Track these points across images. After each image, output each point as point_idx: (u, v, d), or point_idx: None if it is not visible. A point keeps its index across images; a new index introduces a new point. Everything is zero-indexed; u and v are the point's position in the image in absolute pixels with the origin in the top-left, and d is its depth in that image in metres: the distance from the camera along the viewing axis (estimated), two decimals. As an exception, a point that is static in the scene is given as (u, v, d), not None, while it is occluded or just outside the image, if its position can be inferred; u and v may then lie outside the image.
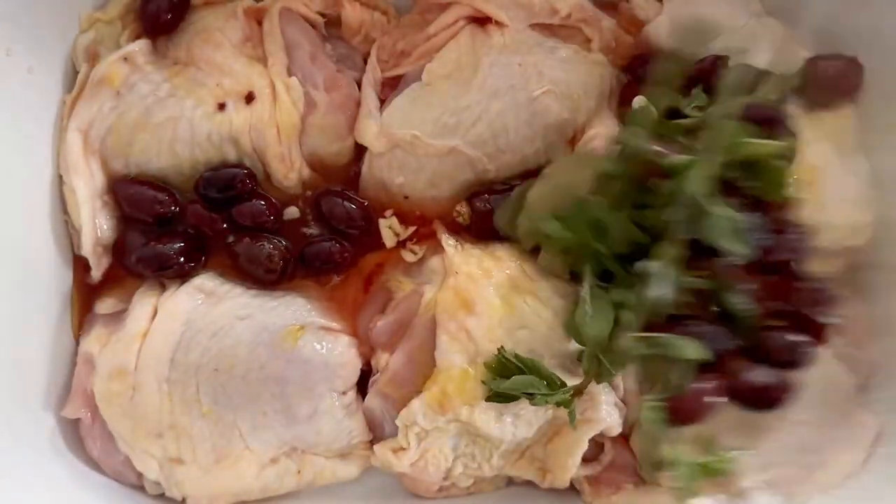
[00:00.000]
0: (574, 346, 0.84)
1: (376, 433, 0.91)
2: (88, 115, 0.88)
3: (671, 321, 0.79)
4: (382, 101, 0.93)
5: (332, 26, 0.95)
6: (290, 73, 0.90)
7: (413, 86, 0.92)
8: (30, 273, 0.86)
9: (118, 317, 0.90)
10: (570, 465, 0.87)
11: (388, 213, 0.94)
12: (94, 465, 0.89)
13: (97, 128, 0.88)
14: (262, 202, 0.91)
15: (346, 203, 0.92)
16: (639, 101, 0.88)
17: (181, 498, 0.88)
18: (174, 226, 0.90)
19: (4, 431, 0.82)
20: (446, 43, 0.92)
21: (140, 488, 0.90)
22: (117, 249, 0.91)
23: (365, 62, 0.95)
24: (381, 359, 0.90)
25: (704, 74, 0.87)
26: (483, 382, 0.83)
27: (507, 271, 0.88)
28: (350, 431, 0.89)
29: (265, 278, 0.91)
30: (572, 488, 0.91)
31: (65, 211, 0.90)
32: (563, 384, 0.82)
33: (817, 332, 0.81)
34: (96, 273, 0.90)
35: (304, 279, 0.94)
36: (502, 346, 0.83)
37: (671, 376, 0.79)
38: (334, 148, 0.93)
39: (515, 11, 0.91)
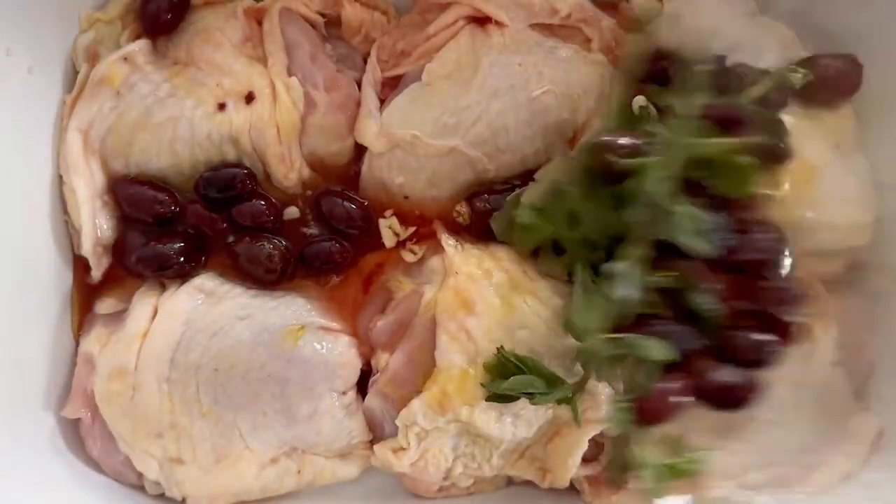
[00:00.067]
0: (574, 344, 0.84)
1: (376, 433, 0.91)
2: (88, 115, 0.88)
3: (638, 321, 0.79)
4: (382, 101, 0.93)
5: (332, 26, 0.95)
6: (290, 73, 0.90)
7: (413, 86, 0.92)
8: (30, 273, 0.86)
9: (118, 317, 0.90)
10: (570, 465, 0.87)
11: (388, 213, 0.94)
12: (94, 465, 0.89)
13: (97, 128, 0.88)
14: (262, 202, 0.91)
15: (346, 203, 0.92)
16: (639, 100, 0.89)
17: (181, 498, 0.88)
18: (174, 226, 0.90)
19: (4, 431, 0.82)
20: (446, 43, 0.92)
21: (140, 488, 0.90)
22: (117, 249, 0.91)
23: (365, 62, 0.95)
24: (381, 359, 0.90)
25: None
26: (482, 385, 0.83)
27: (507, 271, 0.88)
28: (350, 431, 0.89)
29: (265, 278, 0.91)
30: (572, 488, 0.91)
31: (65, 211, 0.90)
32: (564, 382, 0.82)
33: (784, 332, 0.80)
34: (96, 273, 0.90)
35: (304, 279, 0.94)
36: (502, 346, 0.83)
37: (637, 376, 0.78)
38: (334, 148, 0.93)
39: (515, 11, 0.91)
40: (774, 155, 0.87)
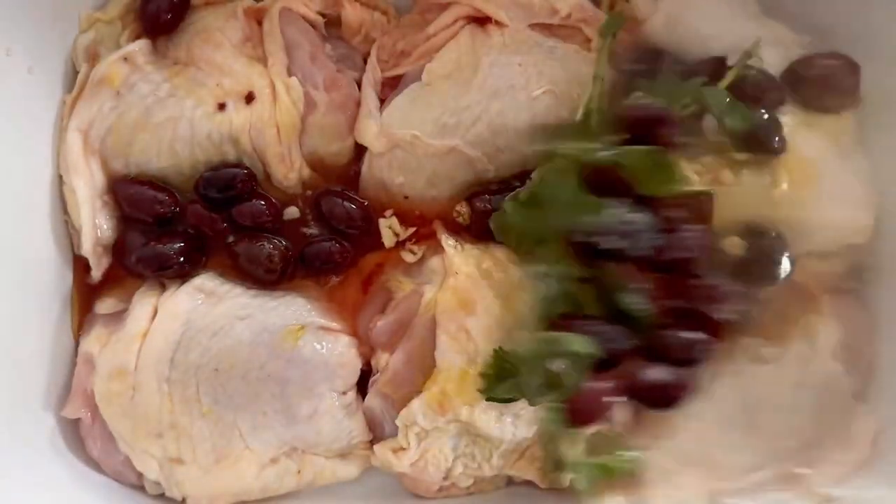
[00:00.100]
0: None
1: (376, 433, 0.91)
2: (88, 115, 0.88)
3: (566, 320, 0.79)
4: (382, 101, 0.93)
5: (332, 26, 0.95)
6: (290, 73, 0.90)
7: (413, 86, 0.92)
8: (30, 273, 0.86)
9: (118, 317, 0.90)
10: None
11: (388, 213, 0.94)
12: (94, 465, 0.89)
13: (97, 128, 0.88)
14: (262, 202, 0.91)
15: (346, 203, 0.92)
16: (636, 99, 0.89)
17: (181, 498, 0.88)
18: (174, 226, 0.90)
19: (4, 431, 0.82)
20: (446, 43, 0.92)
21: (140, 488, 0.90)
22: (117, 249, 0.91)
23: (365, 62, 0.95)
24: (381, 359, 0.90)
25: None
26: (479, 391, 0.83)
27: (507, 271, 0.88)
28: (350, 431, 0.90)
29: (265, 278, 0.91)
30: (572, 488, 0.91)
31: (65, 211, 0.90)
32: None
33: (714, 329, 0.80)
34: (96, 273, 0.90)
35: (304, 279, 0.94)
36: (500, 347, 0.83)
37: (565, 375, 0.78)
38: (334, 148, 0.93)
39: (515, 11, 0.91)
40: (768, 149, 0.87)
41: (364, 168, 0.94)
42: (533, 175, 0.88)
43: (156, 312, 0.87)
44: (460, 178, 0.92)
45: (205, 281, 0.89)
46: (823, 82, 0.90)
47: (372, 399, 0.90)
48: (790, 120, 0.89)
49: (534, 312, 0.82)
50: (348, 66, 0.95)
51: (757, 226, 0.88)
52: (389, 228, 0.94)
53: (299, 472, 0.89)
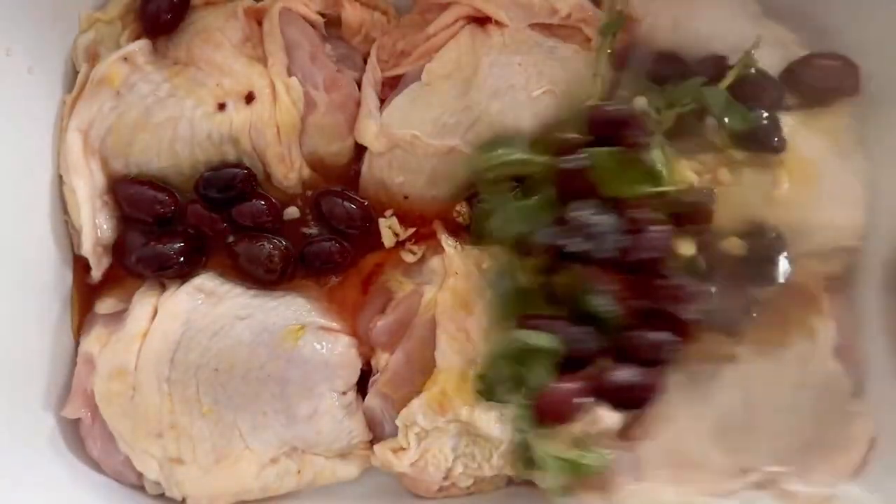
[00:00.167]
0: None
1: (376, 433, 0.91)
2: (88, 115, 0.88)
3: (533, 321, 0.80)
4: (382, 101, 0.93)
5: (332, 26, 0.95)
6: (290, 73, 0.90)
7: (413, 86, 0.92)
8: (30, 273, 0.86)
9: (118, 317, 0.90)
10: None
11: (388, 212, 0.94)
12: (94, 465, 0.89)
13: (97, 128, 0.88)
14: (262, 202, 0.91)
15: (346, 203, 0.92)
16: (639, 101, 0.89)
17: (181, 498, 0.88)
18: (174, 226, 0.90)
19: (4, 431, 0.82)
20: (446, 43, 0.92)
21: (140, 488, 0.90)
22: (117, 249, 0.91)
23: (365, 62, 0.95)
24: (381, 359, 0.90)
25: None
26: (479, 393, 0.83)
27: (507, 271, 0.88)
28: (350, 431, 0.90)
29: (265, 278, 0.91)
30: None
31: (65, 211, 0.90)
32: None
33: (681, 329, 0.81)
34: (96, 273, 0.90)
35: (304, 279, 0.94)
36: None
37: (530, 375, 0.79)
38: (334, 148, 0.93)
39: (515, 11, 0.91)
40: (768, 149, 0.87)
41: (364, 168, 0.94)
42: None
43: (156, 312, 0.87)
44: (460, 178, 0.92)
45: (205, 281, 0.89)
46: (823, 82, 0.91)
47: (372, 399, 0.90)
48: (790, 120, 0.89)
49: (497, 311, 0.83)
50: (348, 66, 0.95)
51: (756, 226, 0.88)
52: (389, 228, 0.94)
53: (299, 472, 0.89)
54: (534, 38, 0.92)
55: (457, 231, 0.93)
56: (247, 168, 0.90)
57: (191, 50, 0.90)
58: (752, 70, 0.88)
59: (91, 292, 0.92)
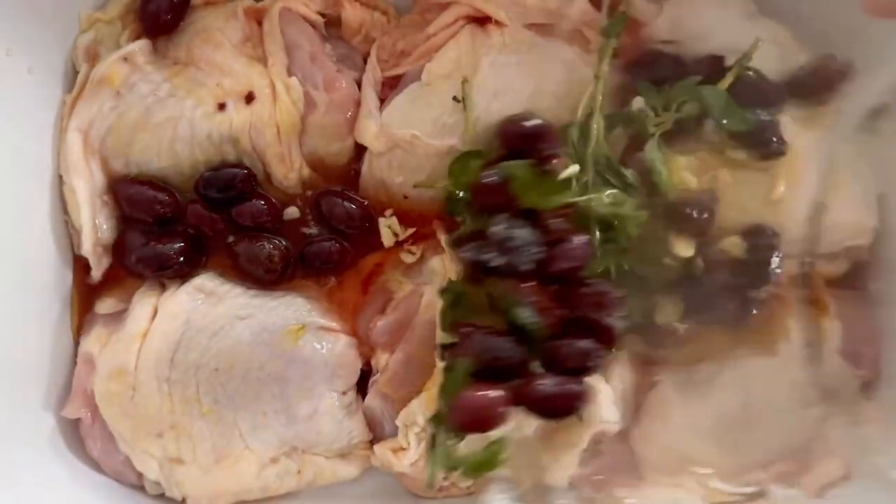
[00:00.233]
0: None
1: (376, 433, 0.91)
2: (88, 115, 0.88)
3: (459, 330, 0.80)
4: (382, 101, 0.93)
5: (332, 26, 0.95)
6: (290, 73, 0.90)
7: (413, 85, 0.92)
8: (30, 273, 0.86)
9: (118, 317, 0.89)
10: (568, 464, 0.87)
11: (388, 212, 0.94)
12: (94, 465, 0.89)
13: (97, 128, 0.88)
14: (262, 202, 0.91)
15: (345, 203, 0.92)
16: (637, 101, 0.89)
17: (181, 498, 0.88)
18: (174, 226, 0.90)
19: (4, 431, 0.81)
20: (446, 42, 0.92)
21: (140, 488, 0.90)
22: (117, 249, 0.91)
23: (365, 62, 0.95)
24: (381, 359, 0.90)
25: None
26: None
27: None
28: (350, 431, 0.90)
29: (265, 278, 0.91)
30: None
31: (65, 211, 0.90)
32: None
33: (607, 336, 0.81)
34: (96, 273, 0.90)
35: (304, 279, 0.94)
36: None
37: (448, 382, 0.79)
38: (334, 148, 0.93)
39: (515, 11, 0.91)
40: (767, 150, 0.88)
41: (364, 168, 0.94)
42: None
43: (156, 312, 0.87)
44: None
45: (205, 281, 0.89)
46: (822, 83, 0.91)
47: (372, 399, 0.90)
48: (789, 121, 0.89)
49: (441, 319, 0.84)
50: (348, 66, 0.95)
51: (757, 226, 0.88)
52: (389, 228, 0.94)
53: (299, 472, 0.89)
54: (534, 39, 0.92)
55: (456, 231, 0.93)
56: (247, 168, 0.90)
57: (191, 50, 0.90)
58: (752, 71, 0.88)
59: (91, 292, 0.92)
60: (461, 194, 0.87)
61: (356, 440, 0.90)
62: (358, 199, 0.93)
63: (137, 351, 0.86)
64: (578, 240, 0.80)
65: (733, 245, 0.87)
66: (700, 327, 0.89)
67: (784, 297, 0.88)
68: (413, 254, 0.94)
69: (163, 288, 0.90)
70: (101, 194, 0.89)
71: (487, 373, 0.77)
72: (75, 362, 0.90)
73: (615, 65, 0.92)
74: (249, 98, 0.89)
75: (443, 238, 0.90)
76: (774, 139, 0.88)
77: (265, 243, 0.90)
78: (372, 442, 0.91)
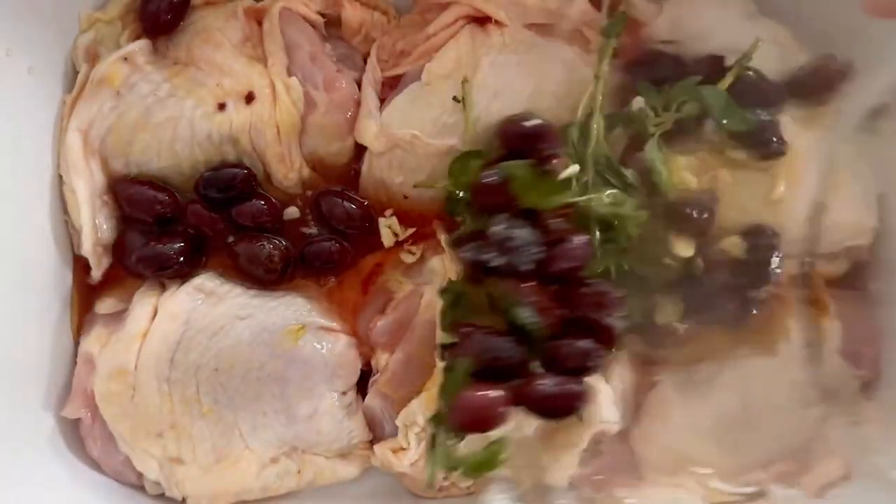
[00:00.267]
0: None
1: (376, 433, 0.91)
2: (88, 115, 0.88)
3: (459, 330, 0.80)
4: (382, 101, 0.93)
5: (332, 26, 0.95)
6: (290, 73, 0.90)
7: (413, 85, 0.92)
8: (30, 273, 0.86)
9: (118, 317, 0.89)
10: (568, 464, 0.87)
11: (388, 212, 0.94)
12: (94, 465, 0.89)
13: (97, 128, 0.88)
14: (262, 202, 0.91)
15: (345, 203, 0.92)
16: (637, 101, 0.89)
17: (181, 498, 0.88)
18: (174, 226, 0.90)
19: (4, 431, 0.81)
20: (446, 42, 0.92)
21: (140, 488, 0.90)
22: (117, 249, 0.91)
23: (365, 62, 0.95)
24: (381, 359, 0.90)
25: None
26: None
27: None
28: (350, 431, 0.90)
29: (265, 278, 0.91)
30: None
31: (65, 211, 0.90)
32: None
33: (607, 336, 0.81)
34: (96, 273, 0.90)
35: (304, 279, 0.94)
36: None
37: (448, 383, 0.79)
38: (334, 148, 0.93)
39: (515, 11, 0.91)
40: (767, 150, 0.88)
41: (364, 168, 0.94)
42: None
43: (156, 312, 0.87)
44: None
45: (205, 281, 0.89)
46: (822, 83, 0.91)
47: (372, 399, 0.90)
48: (789, 121, 0.89)
49: (441, 319, 0.84)
50: (348, 66, 0.95)
51: (757, 226, 0.88)
52: (389, 228, 0.94)
53: (299, 471, 0.89)
54: (533, 39, 0.92)
55: (457, 231, 0.93)
56: (247, 168, 0.90)
57: (191, 50, 0.90)
58: (752, 71, 0.88)
59: (91, 292, 0.92)
60: (461, 194, 0.87)
61: (356, 440, 0.90)
62: (358, 199, 0.93)
63: (137, 351, 0.86)
64: (578, 240, 0.80)
65: (733, 245, 0.87)
66: (700, 327, 0.89)
67: (784, 297, 0.88)
68: (413, 254, 0.94)
69: (163, 288, 0.90)
70: (101, 194, 0.89)
71: (487, 373, 0.77)
72: (75, 362, 0.90)
73: (615, 65, 0.92)
74: (249, 98, 0.89)
75: (443, 238, 0.90)
76: (774, 139, 0.88)
77: (265, 243, 0.90)
78: (372, 442, 0.91)
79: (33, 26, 0.85)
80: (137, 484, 0.90)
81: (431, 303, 0.87)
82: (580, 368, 0.79)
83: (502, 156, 0.84)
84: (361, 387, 0.92)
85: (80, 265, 0.91)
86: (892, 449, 0.84)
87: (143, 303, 0.88)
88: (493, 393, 0.76)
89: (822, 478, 0.86)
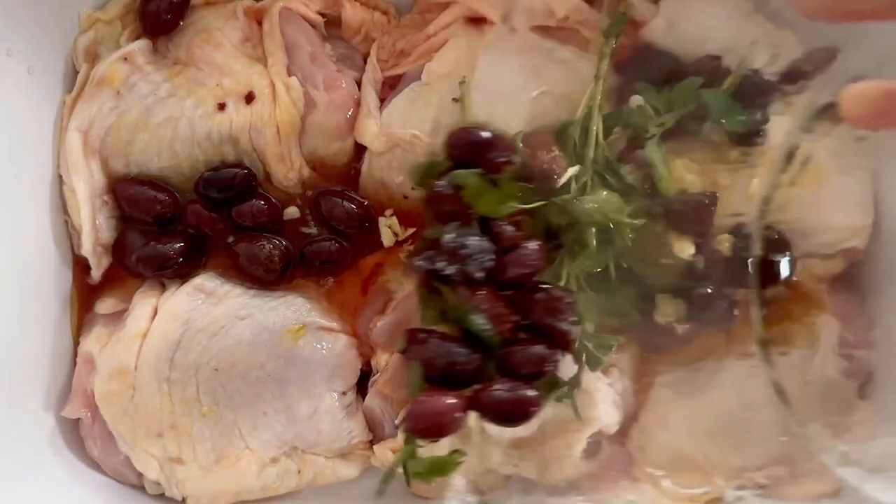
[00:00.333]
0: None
1: (376, 433, 0.91)
2: (88, 115, 0.88)
3: (415, 336, 0.79)
4: (382, 101, 0.93)
5: (332, 26, 0.95)
6: (290, 73, 0.90)
7: (412, 85, 0.92)
8: (30, 273, 0.86)
9: (118, 317, 0.89)
10: (568, 464, 0.87)
11: (388, 212, 0.94)
12: (94, 465, 0.89)
13: (97, 128, 0.88)
14: (262, 202, 0.91)
15: (345, 203, 0.92)
16: (635, 100, 0.89)
17: (181, 498, 0.88)
18: (174, 226, 0.90)
19: (4, 431, 0.81)
20: (446, 42, 0.92)
21: (140, 488, 0.90)
22: (117, 249, 0.91)
23: (365, 62, 0.95)
24: (381, 359, 0.90)
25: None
26: None
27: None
28: (350, 431, 0.90)
29: (265, 278, 0.91)
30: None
31: (65, 211, 0.90)
32: (560, 380, 0.82)
33: (563, 341, 0.80)
34: (96, 273, 0.90)
35: (304, 279, 0.94)
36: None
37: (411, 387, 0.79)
38: (334, 148, 0.93)
39: (513, 12, 0.91)
40: (751, 144, 0.88)
41: (364, 168, 0.94)
42: None
43: (156, 312, 0.87)
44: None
45: (205, 281, 0.89)
46: (805, 75, 0.91)
47: (372, 399, 0.90)
48: (788, 122, 0.89)
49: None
50: (348, 66, 0.95)
51: (740, 225, 0.88)
52: (389, 228, 0.94)
53: (299, 471, 0.89)
54: (532, 40, 0.92)
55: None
56: (247, 168, 0.90)
57: (191, 50, 0.90)
58: (751, 72, 0.88)
59: (91, 292, 0.92)
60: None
61: (356, 440, 0.90)
62: (358, 198, 0.93)
63: (137, 351, 0.86)
64: (531, 246, 0.80)
65: (724, 243, 0.87)
66: (699, 327, 0.89)
67: (801, 295, 0.88)
68: (413, 254, 0.94)
69: (163, 288, 0.90)
70: (101, 194, 0.89)
71: (444, 379, 0.77)
72: (75, 362, 0.90)
73: (612, 64, 0.92)
74: (249, 98, 0.89)
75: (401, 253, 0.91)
76: (759, 133, 0.88)
77: (265, 243, 0.90)
78: (372, 442, 0.91)
79: (33, 26, 0.85)
80: (137, 484, 0.90)
81: (431, 303, 0.87)
82: (535, 374, 0.79)
83: (457, 164, 0.84)
84: (361, 387, 0.92)
85: (80, 265, 0.91)
86: (878, 447, 0.84)
87: (143, 303, 0.88)
88: (448, 399, 0.75)
89: (819, 478, 0.86)
